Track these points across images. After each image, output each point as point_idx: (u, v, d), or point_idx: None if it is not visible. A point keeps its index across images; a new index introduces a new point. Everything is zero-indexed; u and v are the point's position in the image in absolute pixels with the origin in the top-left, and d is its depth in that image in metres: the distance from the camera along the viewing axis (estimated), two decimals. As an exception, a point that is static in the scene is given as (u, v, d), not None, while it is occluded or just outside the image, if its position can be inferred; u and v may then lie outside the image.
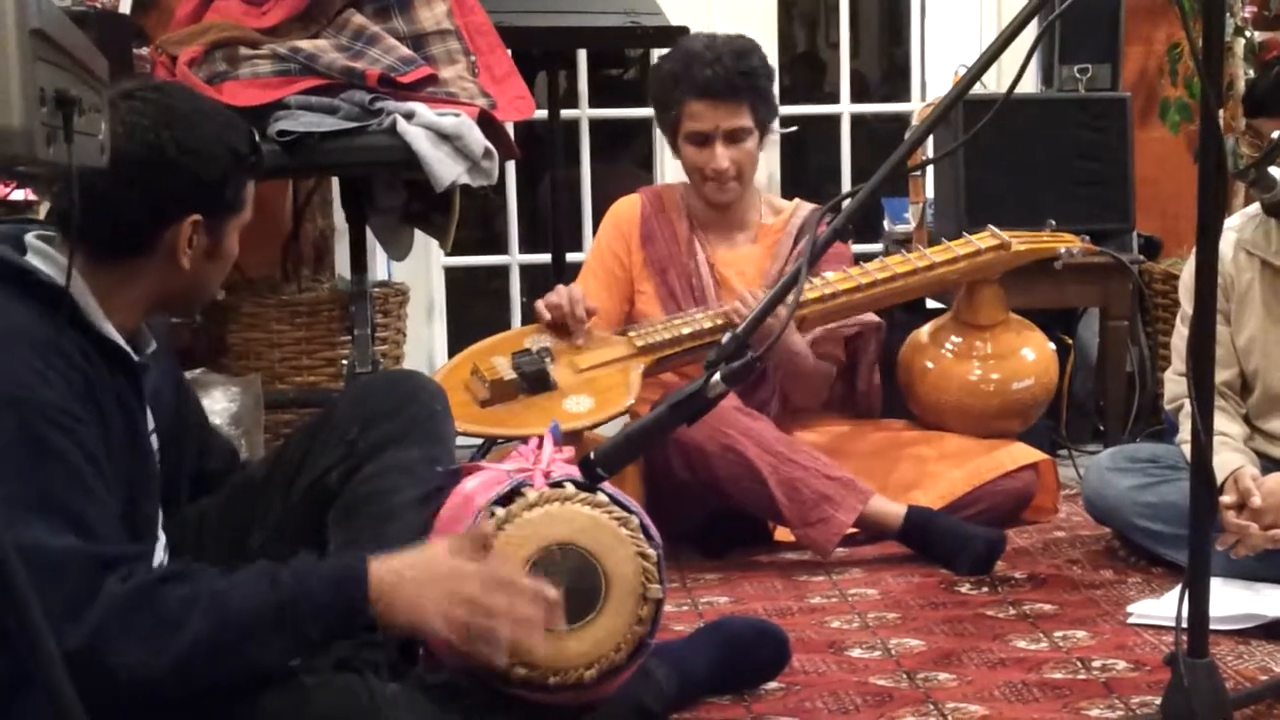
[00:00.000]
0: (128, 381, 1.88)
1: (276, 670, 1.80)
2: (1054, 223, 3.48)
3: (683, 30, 3.74)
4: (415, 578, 1.80)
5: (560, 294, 3.26)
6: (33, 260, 1.82)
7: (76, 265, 1.83)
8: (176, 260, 1.89)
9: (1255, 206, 2.89)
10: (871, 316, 3.47)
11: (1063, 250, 3.44)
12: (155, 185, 1.84)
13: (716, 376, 1.92)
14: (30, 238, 1.86)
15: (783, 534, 3.17)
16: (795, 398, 3.44)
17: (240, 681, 1.78)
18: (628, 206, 3.52)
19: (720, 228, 3.49)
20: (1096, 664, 2.40)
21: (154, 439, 1.99)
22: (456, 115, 3.18)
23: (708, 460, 3.03)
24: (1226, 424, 2.79)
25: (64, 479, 1.70)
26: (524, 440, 2.24)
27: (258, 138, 2.01)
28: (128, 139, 1.81)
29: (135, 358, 1.89)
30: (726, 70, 3.31)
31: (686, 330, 3.24)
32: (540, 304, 3.27)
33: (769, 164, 4.52)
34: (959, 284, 3.42)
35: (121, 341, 1.87)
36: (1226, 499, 2.63)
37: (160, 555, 2.03)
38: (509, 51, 3.48)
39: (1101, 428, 4.13)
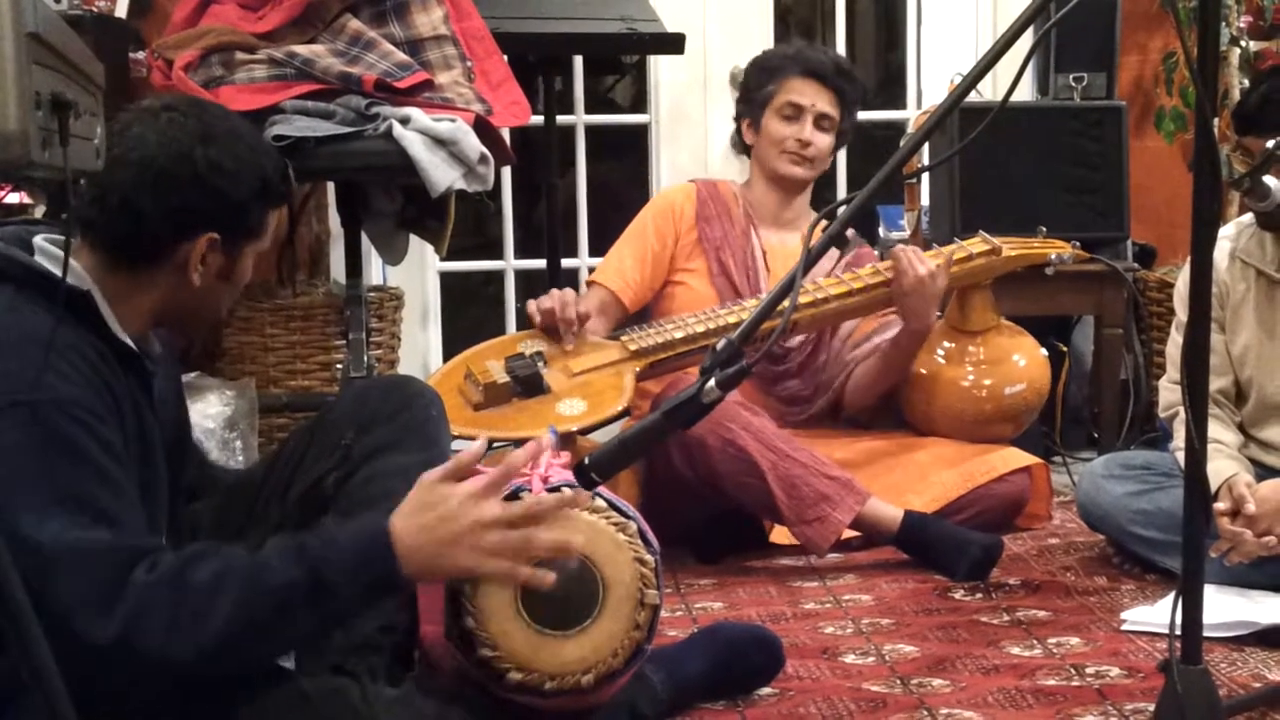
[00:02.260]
0: (140, 386, 1.88)
1: (312, 641, 1.80)
2: (1045, 229, 3.49)
3: (679, 37, 3.75)
4: (437, 535, 1.78)
5: (553, 296, 3.27)
6: (43, 263, 1.82)
7: (89, 268, 1.84)
8: (188, 275, 1.89)
9: (1250, 215, 2.90)
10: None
11: (1053, 256, 3.46)
12: (179, 198, 1.85)
13: (711, 382, 1.93)
14: (40, 240, 1.86)
15: (778, 535, 3.17)
16: (873, 390, 3.49)
17: (276, 657, 1.80)
18: (682, 190, 3.62)
19: (773, 223, 3.58)
20: (1090, 670, 2.40)
21: (160, 443, 1.99)
22: (452, 120, 3.18)
23: (708, 454, 3.03)
24: (1221, 432, 2.79)
25: (89, 475, 1.71)
26: (518, 443, 2.24)
27: (291, 171, 2.02)
28: (160, 149, 1.84)
29: (148, 363, 1.90)
30: (836, 63, 3.55)
31: (679, 334, 3.25)
32: (532, 305, 3.28)
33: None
34: (951, 289, 3.43)
35: (132, 344, 1.87)
36: (1220, 506, 2.63)
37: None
38: (505, 57, 3.49)
39: (1096, 435, 4.13)
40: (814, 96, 3.49)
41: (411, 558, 1.77)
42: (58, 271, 1.82)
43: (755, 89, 3.57)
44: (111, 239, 1.85)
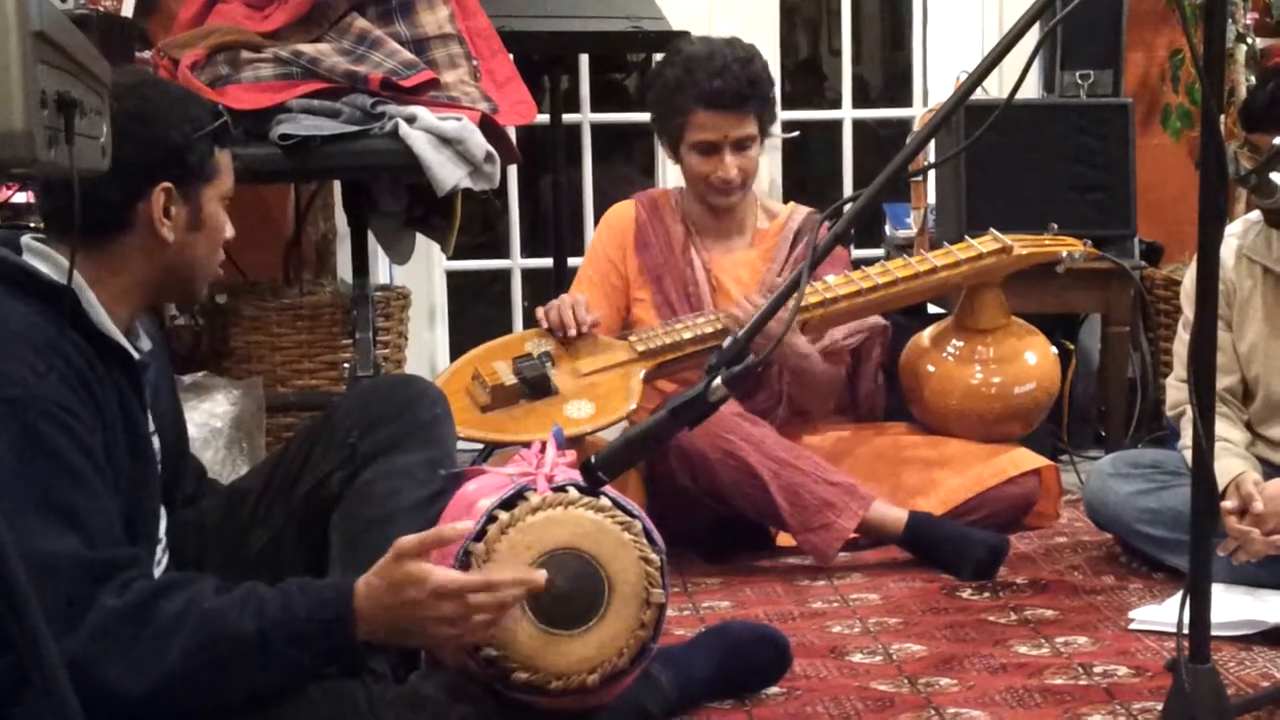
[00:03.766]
0: (128, 381, 1.88)
1: (266, 694, 1.80)
2: (1055, 226, 3.48)
3: (684, 35, 3.74)
4: (397, 616, 1.81)
5: (561, 301, 3.26)
6: (30, 261, 1.83)
7: (67, 256, 1.83)
8: (158, 234, 1.90)
9: (1257, 213, 2.89)
10: (877, 318, 3.47)
11: (1064, 254, 3.44)
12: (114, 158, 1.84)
13: (718, 381, 1.92)
14: (26, 239, 1.87)
15: (784, 539, 3.16)
16: (804, 402, 3.44)
17: (223, 708, 1.79)
18: (622, 213, 3.51)
19: (716, 233, 3.48)
20: (1098, 670, 2.39)
21: (155, 439, 1.99)
22: (458, 119, 3.18)
23: (709, 466, 3.03)
24: (1228, 430, 2.79)
25: (63, 479, 1.70)
26: (525, 445, 2.24)
27: (223, 109, 2.01)
28: None
29: (135, 355, 1.89)
30: (735, 80, 3.29)
31: (687, 335, 3.24)
32: (540, 312, 3.28)
33: (771, 169, 4.52)
34: (961, 288, 3.42)
35: (121, 338, 1.87)
36: (1228, 504, 2.63)
37: (162, 558, 2.03)
38: (511, 56, 3.49)
39: (1103, 433, 4.13)
40: (725, 127, 3.31)
41: (370, 628, 1.81)
42: (42, 268, 1.82)
43: (664, 118, 3.41)
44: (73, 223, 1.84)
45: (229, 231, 2.03)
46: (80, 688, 1.60)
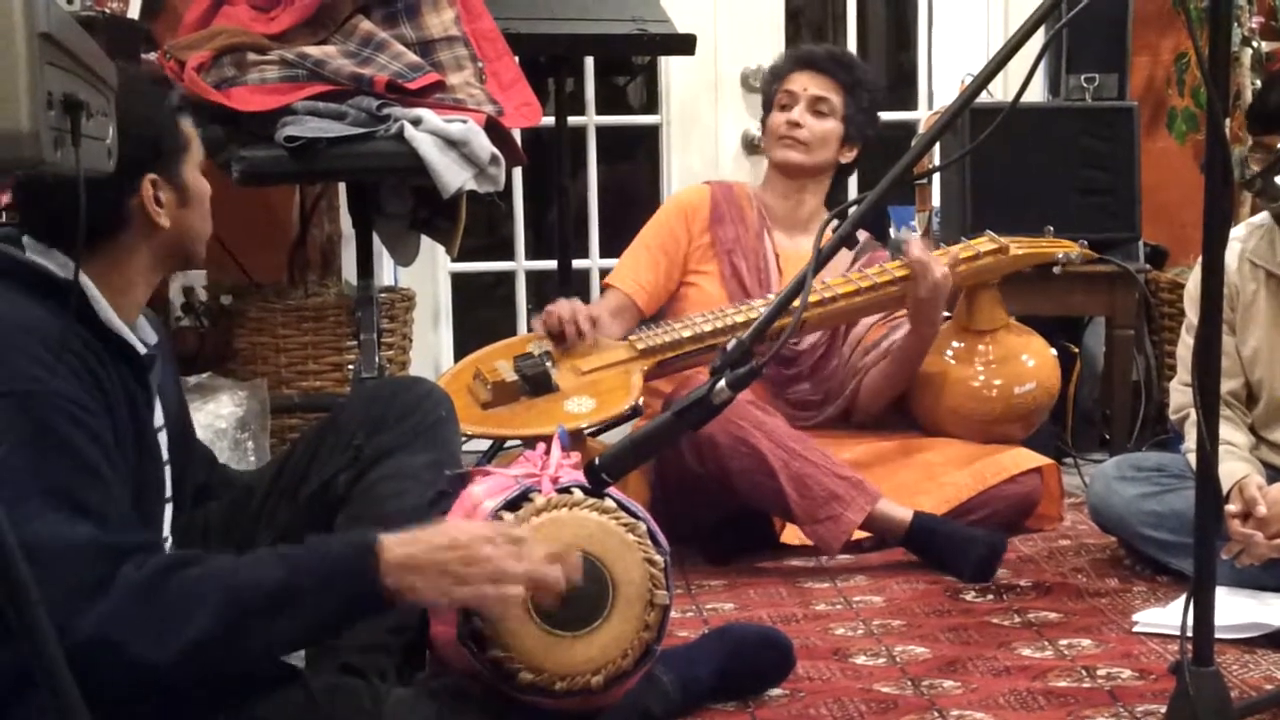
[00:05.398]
0: (134, 376, 1.88)
1: (302, 645, 1.78)
2: (1052, 228, 3.49)
3: (690, 38, 3.75)
4: (428, 557, 1.78)
5: (561, 307, 3.29)
6: (34, 258, 1.83)
7: (70, 256, 1.83)
8: (154, 222, 1.90)
9: (1261, 216, 2.89)
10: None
11: (1060, 255, 3.47)
12: None
13: (722, 383, 1.93)
14: (28, 238, 1.87)
15: (789, 535, 3.17)
16: (891, 392, 3.48)
17: (254, 667, 1.78)
18: (697, 191, 3.64)
19: (787, 225, 3.59)
20: (1102, 672, 2.39)
21: (163, 435, 1.99)
22: (464, 121, 3.18)
23: (719, 452, 3.03)
24: (1232, 433, 2.79)
25: (77, 470, 1.71)
26: (527, 440, 2.24)
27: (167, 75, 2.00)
28: None
29: (141, 349, 1.89)
30: (829, 51, 3.66)
31: (687, 334, 3.26)
32: (536, 320, 3.32)
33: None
34: (959, 289, 3.42)
35: (128, 334, 1.87)
36: (1232, 508, 2.63)
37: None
38: (516, 58, 3.49)
39: (1107, 436, 4.13)
40: (806, 82, 3.54)
41: (396, 573, 1.76)
42: (48, 265, 1.82)
43: (764, 92, 3.65)
44: (73, 229, 1.83)
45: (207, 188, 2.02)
46: (109, 664, 1.62)
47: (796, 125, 3.50)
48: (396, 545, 1.77)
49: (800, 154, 3.52)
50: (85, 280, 1.84)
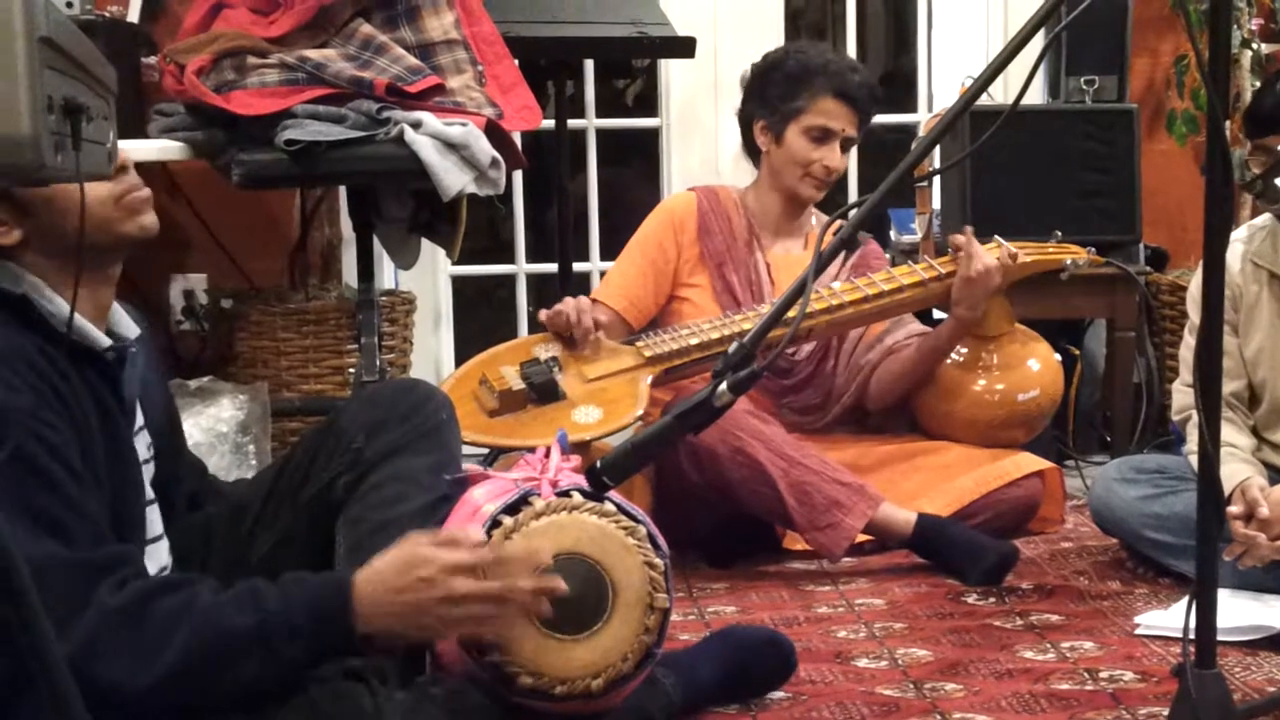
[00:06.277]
0: (101, 380, 1.85)
1: (272, 685, 1.78)
2: (1060, 234, 3.48)
3: (690, 40, 3.75)
4: (405, 599, 1.80)
5: (567, 305, 3.26)
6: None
7: (32, 265, 1.78)
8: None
9: (1264, 218, 2.89)
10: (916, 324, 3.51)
11: (1069, 261, 3.45)
12: None
13: (723, 386, 1.92)
14: None
15: (791, 540, 3.16)
16: (910, 380, 3.45)
17: (226, 702, 1.78)
18: (683, 201, 3.56)
19: (777, 232, 3.55)
20: (1104, 675, 2.39)
21: (145, 435, 1.98)
22: (464, 125, 3.18)
23: (718, 463, 3.03)
24: (1234, 435, 2.79)
25: (42, 486, 1.69)
26: (532, 450, 2.24)
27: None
28: None
29: (104, 343, 1.84)
30: (867, 84, 3.46)
31: (694, 341, 3.25)
32: (545, 315, 3.28)
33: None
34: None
35: (92, 330, 1.83)
36: (1234, 510, 2.62)
37: (165, 559, 2.02)
38: (516, 61, 3.49)
39: (1108, 438, 4.12)
40: (845, 121, 3.42)
41: (372, 618, 1.79)
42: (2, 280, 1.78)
43: (781, 98, 3.46)
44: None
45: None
46: (82, 687, 1.60)
47: (834, 169, 3.44)
48: (368, 592, 1.79)
49: (823, 192, 3.50)
50: (35, 284, 1.78)
